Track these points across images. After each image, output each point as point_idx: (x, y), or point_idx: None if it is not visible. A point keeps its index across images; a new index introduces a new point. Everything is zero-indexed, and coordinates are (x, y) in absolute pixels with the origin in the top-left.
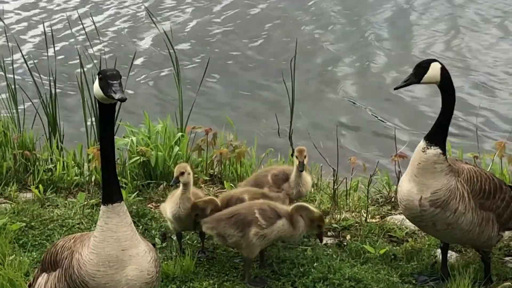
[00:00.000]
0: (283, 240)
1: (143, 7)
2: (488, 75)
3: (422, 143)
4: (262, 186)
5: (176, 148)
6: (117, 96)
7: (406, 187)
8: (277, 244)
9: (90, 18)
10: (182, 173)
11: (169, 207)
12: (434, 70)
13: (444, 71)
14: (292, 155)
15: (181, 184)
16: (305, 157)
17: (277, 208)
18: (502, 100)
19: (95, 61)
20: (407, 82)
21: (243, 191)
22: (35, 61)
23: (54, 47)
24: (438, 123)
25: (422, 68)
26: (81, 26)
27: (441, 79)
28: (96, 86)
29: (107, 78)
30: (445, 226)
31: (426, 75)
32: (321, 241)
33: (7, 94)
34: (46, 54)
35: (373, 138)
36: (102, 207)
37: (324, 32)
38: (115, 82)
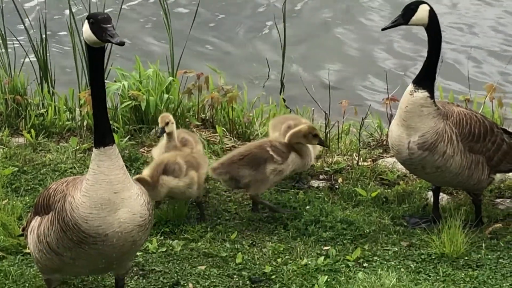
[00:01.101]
0: (295, 173)
1: None
2: (476, 17)
3: (410, 87)
4: None
5: (167, 93)
6: (114, 40)
7: (396, 132)
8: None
9: None
10: (166, 123)
11: (156, 155)
12: (422, 12)
13: (432, 14)
14: (284, 100)
15: (165, 134)
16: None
17: (287, 144)
18: (493, 42)
19: None
20: (395, 23)
21: (175, 154)
22: (25, 4)
23: None
24: (425, 66)
25: (410, 9)
26: None
27: (428, 21)
28: (87, 30)
29: (100, 22)
30: (434, 169)
31: (414, 17)
32: (327, 146)
33: None
34: None
35: (366, 81)
36: (94, 150)
37: None
38: (108, 26)
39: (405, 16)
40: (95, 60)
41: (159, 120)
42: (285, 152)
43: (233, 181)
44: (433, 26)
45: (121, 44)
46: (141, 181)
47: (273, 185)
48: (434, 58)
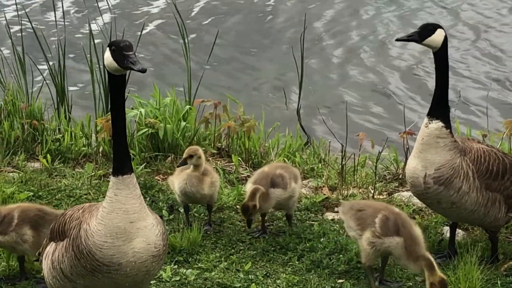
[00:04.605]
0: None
1: None
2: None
3: (425, 120)
4: None
5: (184, 121)
6: (136, 67)
7: (412, 164)
8: (282, 217)
9: None
10: (191, 156)
11: (177, 182)
12: (438, 36)
13: (445, 40)
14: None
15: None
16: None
17: (402, 224)
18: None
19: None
20: (410, 38)
21: (14, 207)
22: (43, 29)
23: (64, 16)
24: (436, 96)
25: (428, 30)
26: None
27: (441, 46)
28: (108, 57)
29: (122, 50)
30: (449, 204)
31: (430, 38)
32: None
33: (16, 64)
34: (54, 22)
35: (383, 114)
36: (112, 179)
37: (331, 9)
38: (130, 53)
39: (422, 35)
40: (116, 88)
41: (185, 151)
42: (390, 231)
43: (346, 226)
44: (443, 52)
45: (143, 71)
46: None
47: (372, 259)
48: (444, 86)
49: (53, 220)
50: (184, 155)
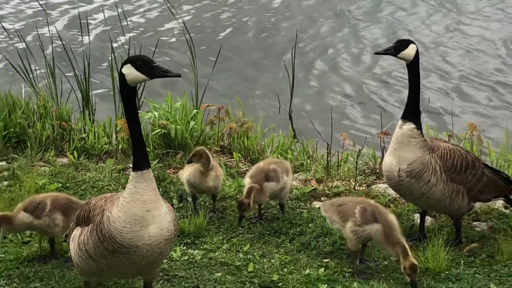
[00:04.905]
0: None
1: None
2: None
3: (399, 122)
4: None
5: (192, 123)
6: (172, 73)
7: (388, 160)
8: (276, 206)
9: (120, 8)
10: (194, 155)
11: (185, 174)
12: (411, 50)
13: (417, 53)
14: (294, 136)
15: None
16: None
17: (378, 213)
18: (474, 84)
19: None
20: (387, 52)
21: (46, 196)
22: (70, 42)
23: (88, 31)
24: (409, 102)
25: (402, 45)
26: (113, 13)
27: (413, 59)
28: (133, 72)
29: (149, 63)
30: (420, 195)
31: (403, 52)
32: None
33: (47, 73)
34: (80, 36)
35: (363, 117)
36: (132, 173)
37: (321, 21)
38: (157, 64)
39: (397, 49)
40: (131, 98)
41: (192, 151)
42: (368, 219)
43: (330, 221)
44: (415, 64)
45: (179, 75)
46: (4, 218)
47: (360, 243)
48: (415, 93)
49: (78, 208)
50: (190, 154)
